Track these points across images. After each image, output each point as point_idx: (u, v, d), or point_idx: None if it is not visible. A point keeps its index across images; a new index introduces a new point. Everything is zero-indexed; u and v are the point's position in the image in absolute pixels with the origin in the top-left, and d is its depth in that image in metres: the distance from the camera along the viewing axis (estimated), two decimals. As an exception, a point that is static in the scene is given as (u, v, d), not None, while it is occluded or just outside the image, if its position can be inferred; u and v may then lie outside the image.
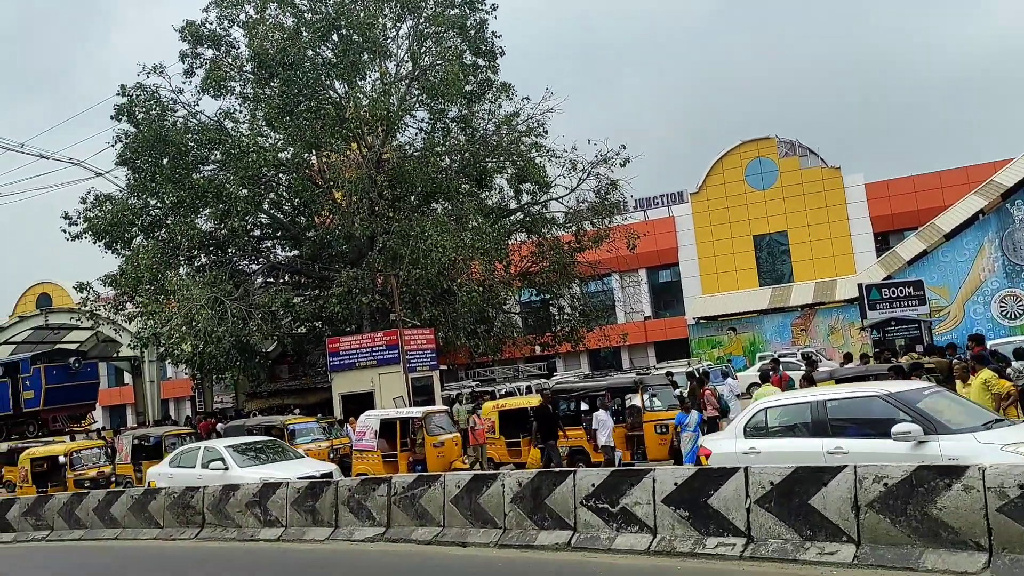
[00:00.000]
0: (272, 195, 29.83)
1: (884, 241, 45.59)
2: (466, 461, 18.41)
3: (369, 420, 18.63)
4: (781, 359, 32.89)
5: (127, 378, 58.25)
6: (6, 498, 17.37)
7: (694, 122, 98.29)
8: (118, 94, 27.16)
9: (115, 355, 42.28)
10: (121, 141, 27.22)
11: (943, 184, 43.63)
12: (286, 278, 30.01)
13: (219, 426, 29.13)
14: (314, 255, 29.59)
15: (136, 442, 22.24)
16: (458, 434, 18.80)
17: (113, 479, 20.67)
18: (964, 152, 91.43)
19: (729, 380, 18.52)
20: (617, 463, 14.61)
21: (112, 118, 27.46)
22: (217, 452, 15.77)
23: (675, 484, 8.58)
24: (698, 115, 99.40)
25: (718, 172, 48.08)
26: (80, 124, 72.39)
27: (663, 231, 47.88)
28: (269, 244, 31.32)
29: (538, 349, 35.47)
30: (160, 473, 16.86)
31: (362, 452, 18.52)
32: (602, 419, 15.34)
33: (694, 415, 13.64)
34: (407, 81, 27.68)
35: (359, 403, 24.45)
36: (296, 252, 31.06)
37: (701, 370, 20.20)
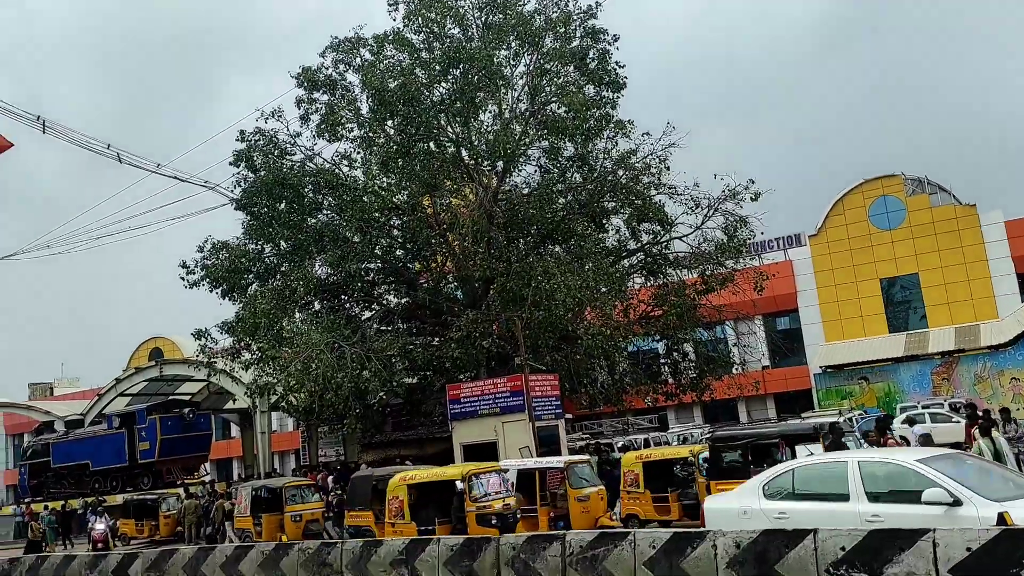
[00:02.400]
0: (385, 240, 29.11)
1: (1030, 282, 41.91)
2: (613, 517, 16.61)
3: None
4: (926, 409, 30.06)
5: (234, 431, 58.60)
6: (130, 551, 16.48)
7: (802, 163, 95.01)
8: (237, 139, 27.21)
9: (225, 407, 42.19)
10: (240, 186, 27.15)
11: (1094, 217, 39.95)
12: (400, 325, 29.05)
13: (330, 478, 28.11)
14: (429, 300, 28.61)
15: (255, 494, 21.30)
16: (603, 487, 17.06)
17: (519, 514, 15.42)
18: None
19: (916, 427, 16.23)
20: None
21: (230, 164, 27.43)
22: (915, 472, 8.47)
23: (968, 550, 6.71)
24: (807, 155, 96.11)
25: (839, 213, 45.40)
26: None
27: (780, 276, 45.28)
28: (383, 289, 30.54)
29: (648, 400, 33.23)
30: (750, 511, 9.40)
31: (497, 506, 16.96)
32: None
33: None
34: (526, 117, 26.73)
35: (481, 454, 23.02)
36: (408, 299, 30.15)
37: (882, 417, 17.92)
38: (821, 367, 41.73)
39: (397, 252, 30.36)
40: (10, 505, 38.68)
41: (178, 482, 32.47)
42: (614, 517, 16.66)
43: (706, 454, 17.53)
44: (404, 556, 11.54)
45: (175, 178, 24.84)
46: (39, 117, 17.59)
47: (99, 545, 21.23)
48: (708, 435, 18.90)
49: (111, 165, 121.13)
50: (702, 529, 8.89)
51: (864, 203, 44.80)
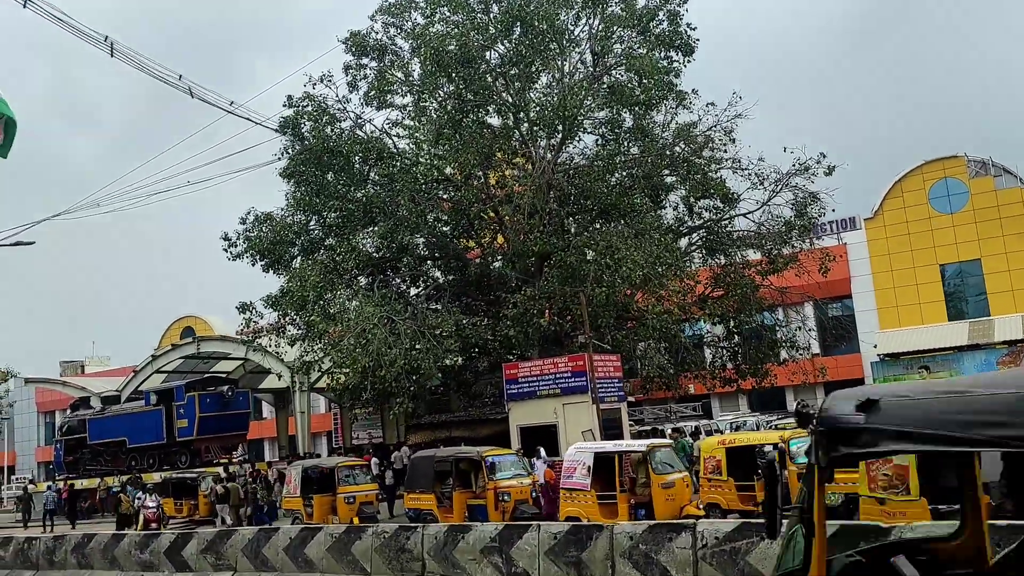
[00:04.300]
0: (433, 213, 27.90)
1: (1099, 270, 39.92)
2: (700, 506, 15.33)
3: (581, 454, 15.88)
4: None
5: (265, 411, 57.90)
6: (184, 531, 15.44)
7: (855, 144, 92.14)
8: (284, 105, 26.05)
9: (260, 386, 41.33)
10: (287, 153, 26.01)
11: None
12: (449, 303, 27.83)
13: (373, 460, 27.08)
14: (480, 277, 27.40)
15: (306, 473, 20.26)
16: (687, 473, 15.79)
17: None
18: None
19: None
20: None
21: (276, 131, 26.29)
22: None
23: None
24: (860, 137, 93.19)
25: (897, 195, 43.61)
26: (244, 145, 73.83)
27: (833, 260, 43.51)
28: (429, 264, 29.33)
29: (706, 386, 31.84)
30: None
31: (572, 491, 15.75)
32: None
33: None
34: (588, 82, 25.35)
35: (539, 436, 21.85)
36: (456, 275, 28.92)
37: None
38: (879, 355, 40.08)
39: (443, 228, 29.14)
40: (44, 482, 38.13)
41: (215, 461, 31.61)
42: (700, 505, 15.37)
43: (799, 441, 16.22)
44: (497, 543, 10.34)
45: (248, 119, 23.91)
46: (107, 38, 16.34)
47: (152, 525, 20.17)
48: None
49: (138, 148, 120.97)
50: (880, 523, 7.57)
51: (924, 185, 43.00)
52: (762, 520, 8.71)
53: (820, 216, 27.90)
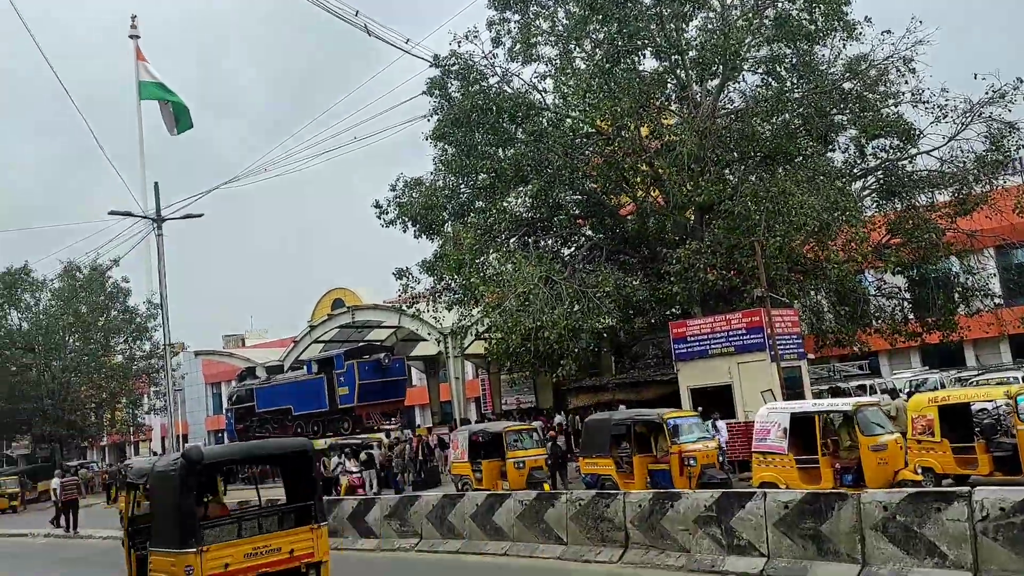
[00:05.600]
0: (584, 167, 26.79)
1: None
2: (918, 470, 13.74)
3: (775, 415, 14.57)
4: None
5: (415, 378, 58.93)
6: (366, 498, 15.28)
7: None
8: (431, 65, 25.50)
9: (411, 354, 41.76)
10: (436, 114, 25.51)
11: None
12: (607, 261, 26.75)
13: (557, 419, 26.73)
14: (637, 233, 26.15)
15: (473, 438, 19.88)
16: (900, 435, 14.20)
17: None
18: None
19: None
20: None
21: (424, 93, 25.83)
22: None
23: None
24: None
25: (1093, 123, 38.85)
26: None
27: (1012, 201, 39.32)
28: (581, 223, 28.28)
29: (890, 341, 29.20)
30: None
31: (766, 455, 14.50)
32: None
33: None
34: (750, 17, 23.48)
35: (711, 398, 20.58)
36: (609, 233, 27.73)
37: None
38: (1080, 304, 36.00)
39: (591, 185, 27.98)
40: (219, 449, 39.98)
41: (376, 428, 32.03)
42: (919, 471, 13.77)
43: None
44: (714, 513, 9.31)
45: (422, 59, 24.15)
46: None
47: (359, 491, 20.24)
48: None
49: (279, 131, 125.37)
50: None
51: None
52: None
53: (1020, 148, 24.86)
